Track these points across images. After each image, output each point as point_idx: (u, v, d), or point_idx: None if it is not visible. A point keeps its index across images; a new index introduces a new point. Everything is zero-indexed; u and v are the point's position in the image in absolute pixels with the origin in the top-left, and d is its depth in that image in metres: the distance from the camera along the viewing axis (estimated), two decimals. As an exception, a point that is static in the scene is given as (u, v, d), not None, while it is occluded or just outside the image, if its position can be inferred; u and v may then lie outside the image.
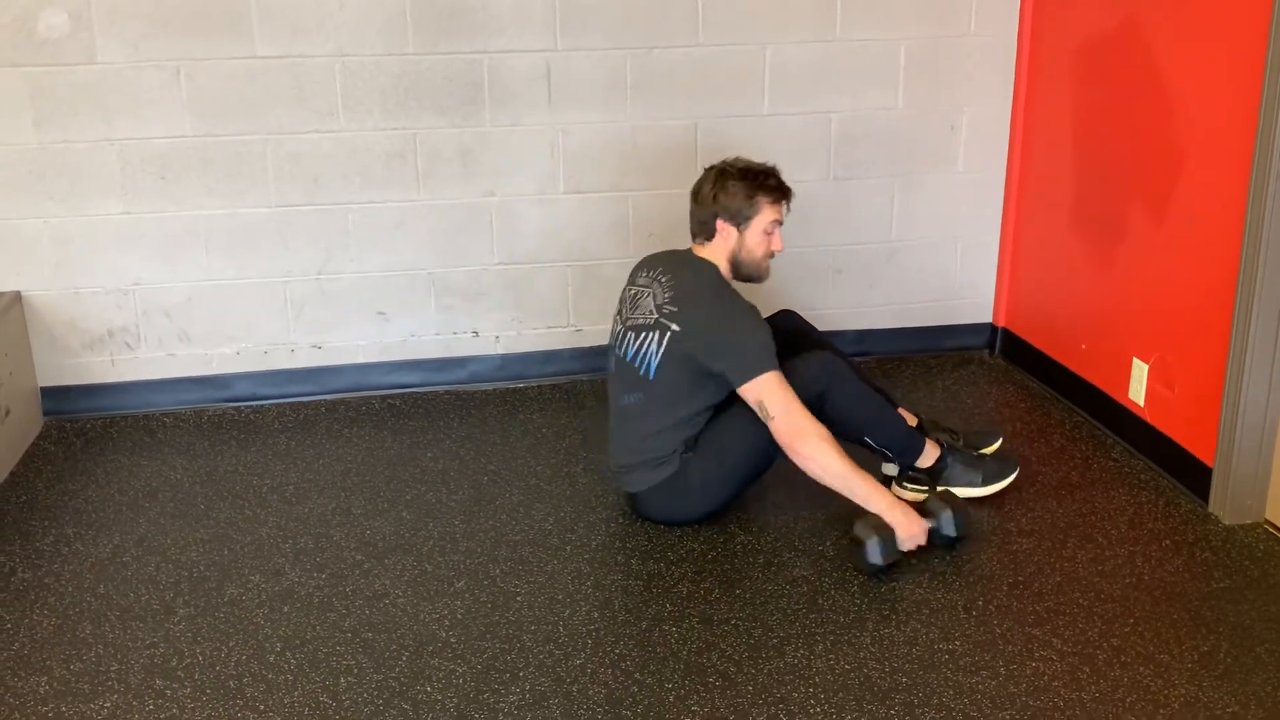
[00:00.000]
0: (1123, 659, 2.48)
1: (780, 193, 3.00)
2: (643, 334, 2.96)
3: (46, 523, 3.08)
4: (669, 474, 2.95)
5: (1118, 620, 2.62)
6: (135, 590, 2.78)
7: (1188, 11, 3.05)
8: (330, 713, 2.34)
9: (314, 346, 3.82)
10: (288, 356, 3.82)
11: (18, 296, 3.59)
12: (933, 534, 2.84)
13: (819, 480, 2.84)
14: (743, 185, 2.95)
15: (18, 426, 3.48)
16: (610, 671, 2.46)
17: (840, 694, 2.38)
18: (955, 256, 4.09)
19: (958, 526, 2.84)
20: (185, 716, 2.34)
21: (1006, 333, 4.12)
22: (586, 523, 3.06)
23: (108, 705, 2.37)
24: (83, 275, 3.63)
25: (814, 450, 2.80)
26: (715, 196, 2.97)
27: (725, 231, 2.98)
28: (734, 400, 2.93)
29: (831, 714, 2.32)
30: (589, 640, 2.57)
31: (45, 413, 3.70)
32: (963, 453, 3.14)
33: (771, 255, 3.03)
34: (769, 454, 2.92)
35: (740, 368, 2.84)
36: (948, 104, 3.92)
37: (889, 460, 3.11)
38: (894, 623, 2.61)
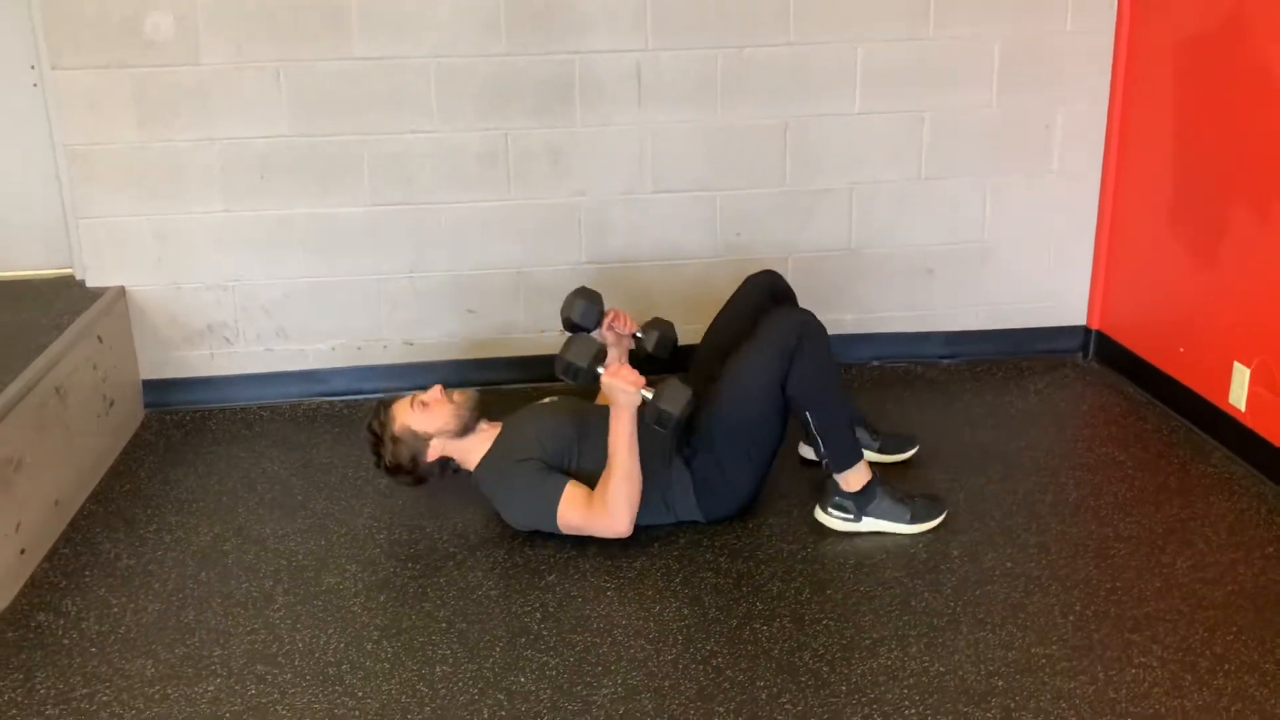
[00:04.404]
0: (1226, 667, 2.43)
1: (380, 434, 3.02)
2: None
3: (149, 511, 3.17)
4: (692, 484, 2.95)
5: (1220, 627, 2.56)
6: (235, 578, 2.84)
7: (1297, 6, 2.98)
8: (426, 700, 2.38)
9: (406, 343, 3.88)
10: (380, 352, 3.88)
11: (122, 291, 3.70)
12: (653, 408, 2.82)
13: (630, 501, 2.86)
14: (397, 447, 2.99)
15: (121, 418, 3.58)
16: (701, 668, 2.46)
17: (935, 696, 2.36)
18: (1049, 257, 4.03)
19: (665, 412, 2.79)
20: (286, 701, 2.39)
21: (1101, 336, 4.04)
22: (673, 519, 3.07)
23: (211, 689, 2.43)
24: (184, 271, 3.73)
25: (608, 525, 2.86)
26: (399, 454, 3.00)
27: (434, 446, 3.00)
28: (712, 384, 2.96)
29: (927, 716, 2.30)
30: (680, 636, 2.57)
31: (146, 405, 3.80)
32: (893, 487, 2.97)
33: (424, 404, 3.01)
34: (771, 418, 2.91)
35: (545, 514, 2.89)
36: (1043, 102, 3.86)
37: (816, 449, 2.95)
38: (989, 626, 2.58)
